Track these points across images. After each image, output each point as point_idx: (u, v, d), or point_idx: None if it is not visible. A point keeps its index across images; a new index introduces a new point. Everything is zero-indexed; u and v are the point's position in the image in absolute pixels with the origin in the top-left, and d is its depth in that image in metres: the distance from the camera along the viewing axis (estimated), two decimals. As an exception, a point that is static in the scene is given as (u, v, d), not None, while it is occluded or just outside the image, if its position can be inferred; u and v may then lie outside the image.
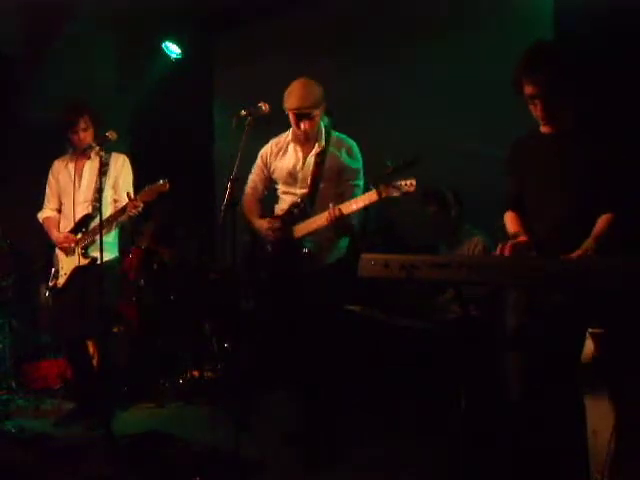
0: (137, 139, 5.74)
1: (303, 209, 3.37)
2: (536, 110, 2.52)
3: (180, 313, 4.91)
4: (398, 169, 2.98)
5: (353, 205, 3.14)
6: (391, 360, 3.73)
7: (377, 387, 3.78)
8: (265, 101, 3.15)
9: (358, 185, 3.37)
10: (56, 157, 4.22)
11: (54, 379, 4.68)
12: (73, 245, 3.97)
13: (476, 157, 4.22)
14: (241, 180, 3.02)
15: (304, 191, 3.41)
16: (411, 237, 4.44)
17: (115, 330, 4.62)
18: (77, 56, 5.58)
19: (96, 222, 3.80)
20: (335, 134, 3.47)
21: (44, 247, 4.29)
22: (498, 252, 2.47)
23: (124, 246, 4.49)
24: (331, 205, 3.16)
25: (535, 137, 2.64)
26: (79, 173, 4.05)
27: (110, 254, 4.01)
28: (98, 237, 3.65)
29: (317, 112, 3.32)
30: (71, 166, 4.08)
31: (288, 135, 3.51)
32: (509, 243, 2.47)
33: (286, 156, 3.49)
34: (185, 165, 5.58)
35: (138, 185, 3.99)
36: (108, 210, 3.95)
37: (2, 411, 4.07)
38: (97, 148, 3.77)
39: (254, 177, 3.64)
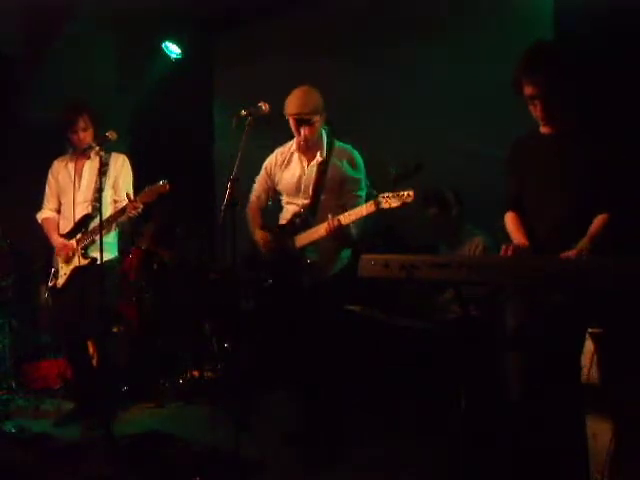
0: (137, 139, 5.74)
1: (305, 219, 3.40)
2: (536, 110, 2.53)
3: (180, 313, 4.91)
4: (401, 177, 2.98)
5: (352, 216, 3.17)
6: (391, 360, 3.73)
7: (377, 387, 3.78)
8: (265, 101, 3.15)
9: (360, 195, 3.39)
10: (56, 157, 4.22)
11: (54, 379, 4.68)
12: (71, 254, 3.96)
13: (476, 157, 4.22)
14: (241, 180, 3.02)
15: (306, 201, 3.43)
16: (411, 237, 4.43)
17: (115, 330, 4.63)
18: (77, 56, 5.58)
19: (96, 222, 3.80)
20: (338, 144, 3.49)
21: (44, 247, 4.29)
22: (502, 254, 2.47)
23: (124, 246, 4.49)
24: (330, 216, 3.18)
25: (535, 137, 2.65)
26: (79, 173, 4.05)
27: (110, 254, 4.01)
28: (98, 237, 3.65)
29: (317, 118, 3.35)
30: (71, 166, 4.08)
31: (292, 145, 3.54)
32: (512, 245, 2.48)
33: (290, 166, 3.53)
34: (185, 165, 5.58)
35: (138, 185, 3.99)
36: (108, 210, 3.95)
37: (2, 411, 4.07)
38: (97, 148, 3.77)
39: (258, 187, 3.69)
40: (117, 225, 3.99)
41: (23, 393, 4.53)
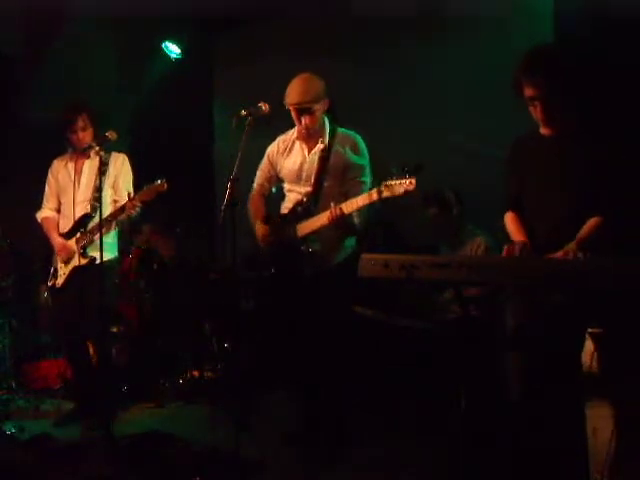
0: (137, 139, 5.73)
1: (307, 207, 3.35)
2: (536, 112, 2.53)
3: (180, 313, 4.91)
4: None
5: (354, 204, 3.12)
6: (391, 360, 3.73)
7: (377, 387, 3.78)
8: (265, 101, 3.15)
9: (365, 182, 3.32)
10: (56, 157, 4.21)
11: (54, 379, 4.68)
12: (70, 255, 3.96)
13: (476, 157, 4.22)
14: (241, 180, 3.02)
15: (308, 189, 3.39)
16: (411, 237, 4.44)
17: (115, 330, 4.62)
18: (77, 56, 5.57)
19: (95, 221, 3.81)
20: (341, 130, 3.43)
21: (44, 247, 4.29)
22: (505, 254, 2.47)
23: (124, 246, 4.49)
24: (332, 204, 3.14)
25: (535, 138, 2.65)
26: (78, 172, 4.05)
27: (109, 254, 4.00)
28: (97, 237, 3.65)
29: (318, 107, 3.30)
30: (70, 165, 4.08)
31: (294, 133, 3.49)
32: (517, 244, 2.48)
33: (292, 154, 3.48)
34: (185, 165, 5.58)
35: (138, 185, 3.99)
36: (107, 210, 3.94)
37: (2, 411, 4.06)
38: (97, 148, 3.77)
39: (260, 174, 3.63)
40: (117, 224, 3.98)
41: (23, 393, 4.52)
